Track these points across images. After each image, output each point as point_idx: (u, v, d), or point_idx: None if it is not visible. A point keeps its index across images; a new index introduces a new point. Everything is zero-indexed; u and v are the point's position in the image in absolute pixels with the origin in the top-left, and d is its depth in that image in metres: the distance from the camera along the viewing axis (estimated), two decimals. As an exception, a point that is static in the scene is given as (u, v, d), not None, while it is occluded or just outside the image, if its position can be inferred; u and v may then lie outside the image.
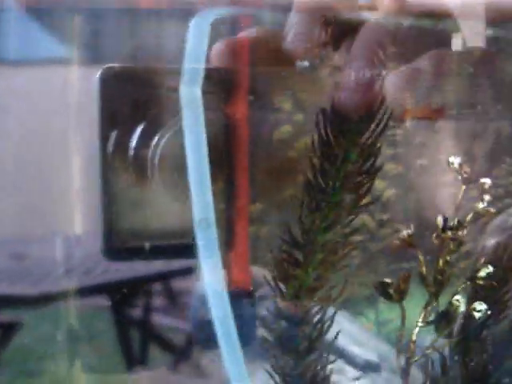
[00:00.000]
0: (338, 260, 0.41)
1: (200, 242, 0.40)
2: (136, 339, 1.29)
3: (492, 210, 0.52)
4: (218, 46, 0.44)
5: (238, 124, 0.43)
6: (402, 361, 0.49)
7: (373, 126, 0.39)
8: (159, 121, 0.40)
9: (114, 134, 0.39)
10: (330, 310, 0.44)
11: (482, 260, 0.51)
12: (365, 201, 0.41)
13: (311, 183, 0.39)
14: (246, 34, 0.45)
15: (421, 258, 0.51)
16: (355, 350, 0.91)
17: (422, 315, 0.49)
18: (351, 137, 0.39)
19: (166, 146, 0.40)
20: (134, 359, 1.24)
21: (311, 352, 0.43)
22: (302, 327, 0.43)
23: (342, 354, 0.93)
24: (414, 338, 0.48)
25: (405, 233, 0.52)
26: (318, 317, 0.43)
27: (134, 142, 0.40)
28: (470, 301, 0.52)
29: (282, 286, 0.42)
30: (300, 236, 0.41)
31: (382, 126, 0.39)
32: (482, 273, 0.51)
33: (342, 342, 0.94)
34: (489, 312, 0.46)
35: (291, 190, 0.44)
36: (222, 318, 0.42)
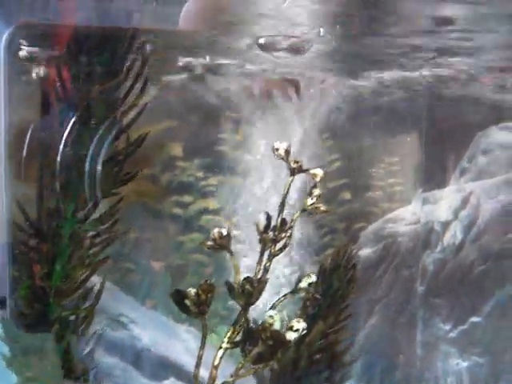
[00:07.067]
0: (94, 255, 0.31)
1: None
2: None
3: (322, 206, 0.43)
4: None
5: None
6: (203, 391, 0.40)
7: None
8: None
9: None
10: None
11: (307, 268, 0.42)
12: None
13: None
14: None
15: (235, 262, 0.41)
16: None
17: (229, 334, 0.40)
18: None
19: None
20: None
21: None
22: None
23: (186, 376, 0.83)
24: (216, 362, 0.39)
25: (216, 232, 0.43)
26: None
27: None
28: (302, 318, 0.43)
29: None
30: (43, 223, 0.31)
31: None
32: (304, 283, 0.42)
33: (187, 362, 0.84)
34: (305, 332, 0.37)
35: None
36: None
